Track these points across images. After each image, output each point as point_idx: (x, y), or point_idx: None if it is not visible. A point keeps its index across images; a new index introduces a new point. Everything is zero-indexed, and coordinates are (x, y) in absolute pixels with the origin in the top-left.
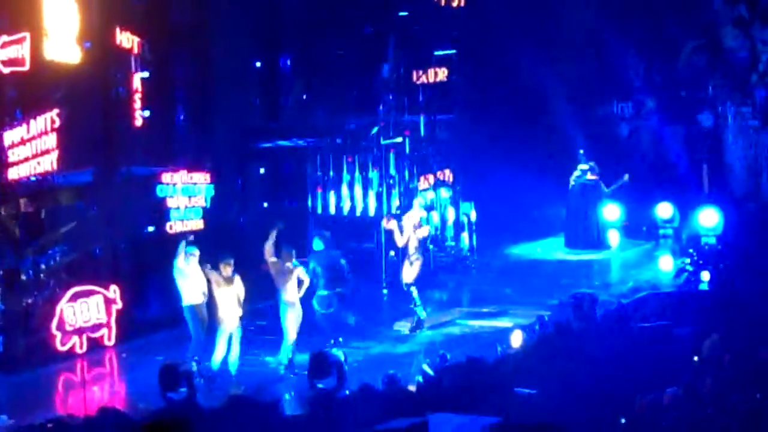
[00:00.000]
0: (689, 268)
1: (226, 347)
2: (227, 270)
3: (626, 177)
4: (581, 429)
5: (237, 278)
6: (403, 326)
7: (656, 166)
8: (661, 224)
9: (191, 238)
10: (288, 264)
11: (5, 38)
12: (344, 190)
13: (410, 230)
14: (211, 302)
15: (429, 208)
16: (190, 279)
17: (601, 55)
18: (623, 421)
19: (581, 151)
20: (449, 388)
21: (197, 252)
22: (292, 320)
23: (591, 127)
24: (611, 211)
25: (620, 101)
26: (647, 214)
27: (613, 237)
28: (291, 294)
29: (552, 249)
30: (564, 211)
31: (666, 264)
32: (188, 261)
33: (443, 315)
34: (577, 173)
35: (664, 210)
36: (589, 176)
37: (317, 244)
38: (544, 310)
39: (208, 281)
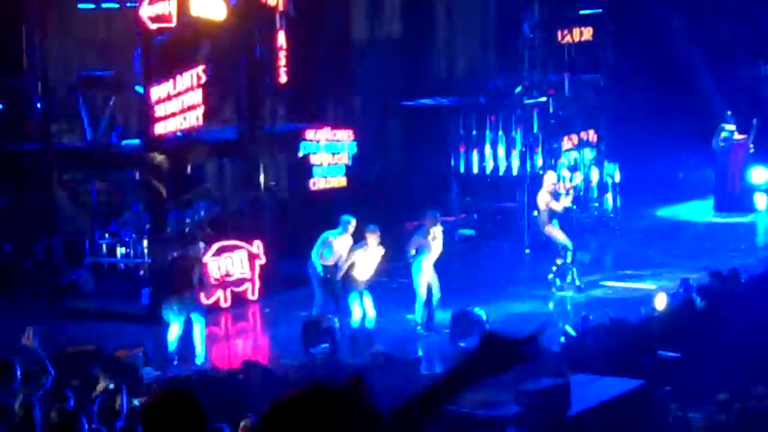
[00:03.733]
0: None
1: (361, 306)
2: (374, 239)
3: (755, 121)
4: (724, 393)
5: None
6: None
7: None
8: None
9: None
10: (433, 228)
11: None
12: (487, 149)
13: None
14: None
15: (573, 169)
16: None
17: (750, 14)
18: None
19: (729, 113)
20: (592, 350)
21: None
22: (424, 281)
23: (738, 88)
24: (758, 174)
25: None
26: None
27: (760, 200)
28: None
29: (698, 211)
30: (712, 173)
31: None
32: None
33: (586, 276)
34: (724, 134)
35: None
36: (737, 136)
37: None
38: (689, 273)
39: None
